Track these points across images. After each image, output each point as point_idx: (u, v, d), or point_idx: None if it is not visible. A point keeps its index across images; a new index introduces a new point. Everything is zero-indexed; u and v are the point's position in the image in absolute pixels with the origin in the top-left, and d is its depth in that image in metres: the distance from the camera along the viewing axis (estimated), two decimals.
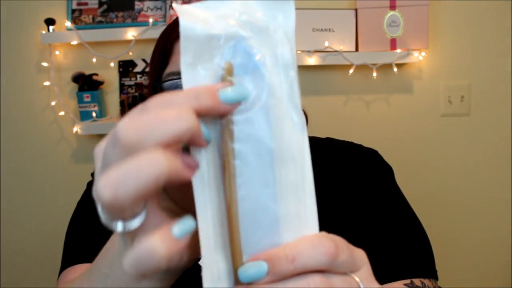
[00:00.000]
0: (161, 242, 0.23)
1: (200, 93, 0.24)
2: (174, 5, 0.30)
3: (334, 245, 0.25)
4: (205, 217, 0.25)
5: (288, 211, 0.25)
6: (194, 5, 0.26)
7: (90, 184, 0.72)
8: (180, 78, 0.62)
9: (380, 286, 0.29)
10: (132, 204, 0.22)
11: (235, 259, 0.25)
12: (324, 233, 0.26)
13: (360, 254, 0.28)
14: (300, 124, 0.26)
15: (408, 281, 0.57)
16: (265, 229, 0.25)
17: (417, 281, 0.58)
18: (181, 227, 0.24)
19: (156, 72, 0.65)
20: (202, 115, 0.24)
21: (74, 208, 0.69)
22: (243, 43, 0.26)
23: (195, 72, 0.25)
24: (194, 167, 0.25)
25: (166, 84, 0.63)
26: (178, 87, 0.63)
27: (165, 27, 0.70)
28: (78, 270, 0.60)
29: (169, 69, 0.63)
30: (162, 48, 0.64)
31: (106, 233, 0.62)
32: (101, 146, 0.25)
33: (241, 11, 0.26)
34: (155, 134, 0.22)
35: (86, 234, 0.63)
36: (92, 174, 0.73)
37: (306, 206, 0.26)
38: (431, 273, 0.62)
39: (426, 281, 0.60)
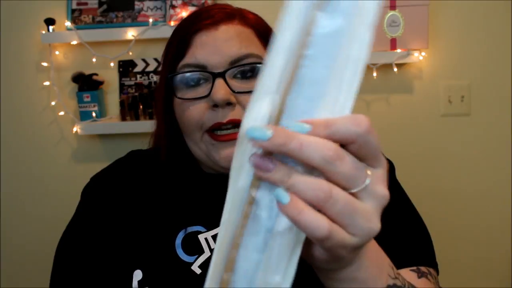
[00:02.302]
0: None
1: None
2: None
3: (367, 119, 0.31)
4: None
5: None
6: None
7: (85, 193, 0.70)
8: (194, 71, 0.62)
9: (386, 192, 0.32)
10: None
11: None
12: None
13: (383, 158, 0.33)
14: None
15: (414, 267, 0.58)
16: (308, 101, 0.30)
17: (423, 268, 0.58)
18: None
19: (171, 64, 0.65)
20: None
21: (74, 209, 0.69)
22: None
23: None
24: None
25: (180, 76, 0.63)
26: (192, 79, 0.63)
27: (165, 26, 0.70)
28: None
29: (185, 61, 0.63)
30: (180, 40, 0.64)
31: (94, 260, 0.62)
32: None
33: None
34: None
35: (75, 264, 0.63)
36: (92, 178, 0.72)
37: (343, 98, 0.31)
38: (433, 264, 0.62)
39: (432, 270, 0.60)
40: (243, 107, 0.61)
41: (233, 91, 0.61)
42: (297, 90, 0.30)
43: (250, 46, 0.63)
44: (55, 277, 0.64)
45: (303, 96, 0.30)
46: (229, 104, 0.61)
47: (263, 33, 0.66)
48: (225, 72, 0.61)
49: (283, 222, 0.30)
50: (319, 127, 0.29)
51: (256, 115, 0.30)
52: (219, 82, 0.60)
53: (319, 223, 0.28)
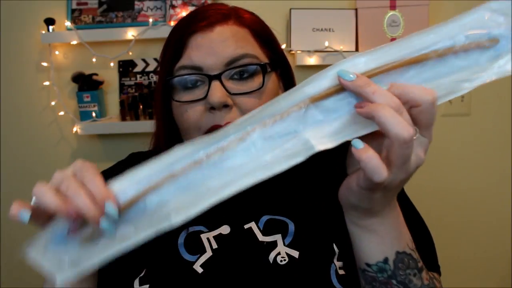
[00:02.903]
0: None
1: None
2: None
3: (436, 97, 0.40)
4: None
5: None
6: None
7: None
8: (191, 73, 0.62)
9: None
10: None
11: None
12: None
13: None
14: None
15: None
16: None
17: (429, 273, 0.58)
18: None
19: (168, 65, 0.65)
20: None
21: None
22: None
23: None
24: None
25: (177, 78, 0.63)
26: (189, 81, 0.63)
27: (165, 26, 0.70)
28: None
29: (181, 62, 0.63)
30: (176, 42, 0.64)
31: None
32: None
33: None
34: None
35: None
36: None
37: None
38: (436, 267, 0.62)
39: (435, 274, 0.60)
40: (240, 109, 0.61)
41: (230, 93, 0.61)
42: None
43: (246, 46, 0.63)
44: None
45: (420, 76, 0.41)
46: (226, 106, 0.61)
47: (259, 32, 0.66)
48: (221, 74, 0.61)
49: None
50: (397, 86, 0.39)
51: (352, 63, 0.41)
52: (215, 84, 0.60)
53: (404, 125, 0.38)
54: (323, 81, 0.42)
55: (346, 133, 0.42)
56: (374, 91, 0.38)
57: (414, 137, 0.38)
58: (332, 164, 0.68)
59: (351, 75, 0.40)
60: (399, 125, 0.37)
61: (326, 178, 0.67)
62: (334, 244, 0.60)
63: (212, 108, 0.61)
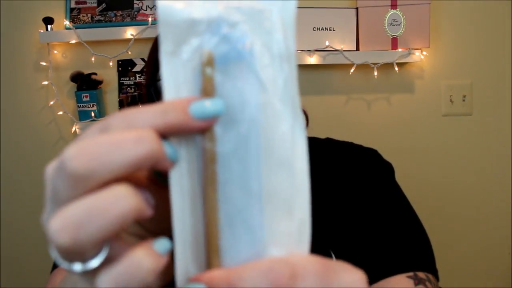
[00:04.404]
0: (146, 255, 0.20)
1: (168, 109, 0.21)
2: None
3: (289, 273, 0.20)
4: (182, 233, 0.22)
5: (274, 224, 0.22)
6: None
7: None
8: None
9: None
10: (95, 245, 0.20)
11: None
12: (294, 257, 0.22)
13: (350, 279, 0.22)
14: (297, 126, 0.22)
15: (411, 273, 0.57)
16: (247, 243, 0.22)
17: (420, 274, 0.57)
18: (162, 243, 0.22)
19: (151, 72, 0.64)
20: (173, 133, 0.21)
21: None
22: (227, 27, 0.22)
23: (177, 63, 0.22)
24: (151, 203, 0.22)
25: (159, 83, 0.62)
26: None
27: None
28: (64, 271, 0.60)
29: None
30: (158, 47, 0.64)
31: None
32: (49, 170, 0.22)
33: None
34: (110, 163, 0.19)
35: None
36: None
37: (295, 220, 0.23)
38: (433, 270, 0.61)
39: (430, 276, 0.59)
40: None
41: None
42: None
43: None
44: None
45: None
46: None
47: None
48: None
49: None
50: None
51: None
52: None
53: None
54: None
55: None
56: None
57: None
58: (328, 170, 0.68)
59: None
60: None
61: (322, 184, 0.66)
62: (330, 251, 0.59)
63: None
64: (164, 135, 0.21)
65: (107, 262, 0.21)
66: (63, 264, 0.21)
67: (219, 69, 0.22)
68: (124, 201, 0.19)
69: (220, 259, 0.22)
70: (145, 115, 0.21)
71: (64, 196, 0.20)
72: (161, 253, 0.21)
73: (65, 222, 0.19)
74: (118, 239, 0.22)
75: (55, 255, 0.21)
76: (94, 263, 0.21)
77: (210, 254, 0.22)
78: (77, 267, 0.21)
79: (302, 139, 0.23)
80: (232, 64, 0.22)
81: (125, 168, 0.20)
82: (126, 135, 0.20)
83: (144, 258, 0.20)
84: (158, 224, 0.25)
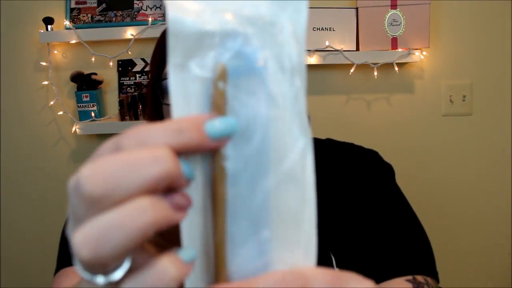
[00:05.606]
0: (171, 263, 0.21)
1: (183, 127, 0.20)
2: None
3: (301, 284, 0.21)
4: (190, 245, 0.22)
5: (281, 238, 0.22)
6: None
7: None
8: None
9: None
10: (116, 258, 0.20)
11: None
12: (305, 269, 0.22)
13: None
14: (305, 139, 0.22)
15: (410, 277, 0.57)
16: (255, 255, 0.22)
17: (419, 277, 0.57)
18: (187, 251, 0.22)
19: (156, 71, 0.64)
20: (187, 152, 0.21)
21: None
22: (240, 42, 0.22)
23: (185, 76, 0.22)
24: (185, 206, 0.21)
25: (165, 82, 0.62)
26: None
27: (165, 25, 0.69)
28: (71, 273, 0.59)
29: None
30: (164, 46, 0.63)
31: None
32: (70, 185, 0.21)
33: (242, 3, 0.22)
34: (126, 184, 0.19)
35: None
36: None
37: (302, 233, 0.23)
38: (432, 273, 0.61)
39: (429, 279, 0.59)
40: None
41: None
42: None
43: None
44: (61, 259, 0.63)
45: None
46: None
47: None
48: None
49: None
50: None
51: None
52: None
53: None
54: None
55: None
56: None
57: None
58: (328, 171, 0.68)
59: None
60: None
61: (322, 185, 0.66)
62: (330, 252, 0.59)
63: None
64: (178, 152, 0.21)
65: (130, 272, 0.21)
66: (86, 276, 0.21)
67: (230, 83, 0.22)
68: (145, 214, 0.19)
69: (227, 271, 0.22)
70: (159, 133, 0.20)
71: (82, 215, 0.20)
72: (186, 261, 0.21)
73: (86, 237, 0.19)
74: (141, 249, 0.22)
75: (78, 268, 0.21)
76: (117, 275, 0.21)
77: (218, 267, 0.22)
78: (100, 279, 0.21)
79: (310, 152, 0.23)
80: (243, 78, 0.22)
81: (142, 188, 0.19)
82: (142, 154, 0.20)
83: (170, 266, 0.20)
84: (176, 233, 0.25)
